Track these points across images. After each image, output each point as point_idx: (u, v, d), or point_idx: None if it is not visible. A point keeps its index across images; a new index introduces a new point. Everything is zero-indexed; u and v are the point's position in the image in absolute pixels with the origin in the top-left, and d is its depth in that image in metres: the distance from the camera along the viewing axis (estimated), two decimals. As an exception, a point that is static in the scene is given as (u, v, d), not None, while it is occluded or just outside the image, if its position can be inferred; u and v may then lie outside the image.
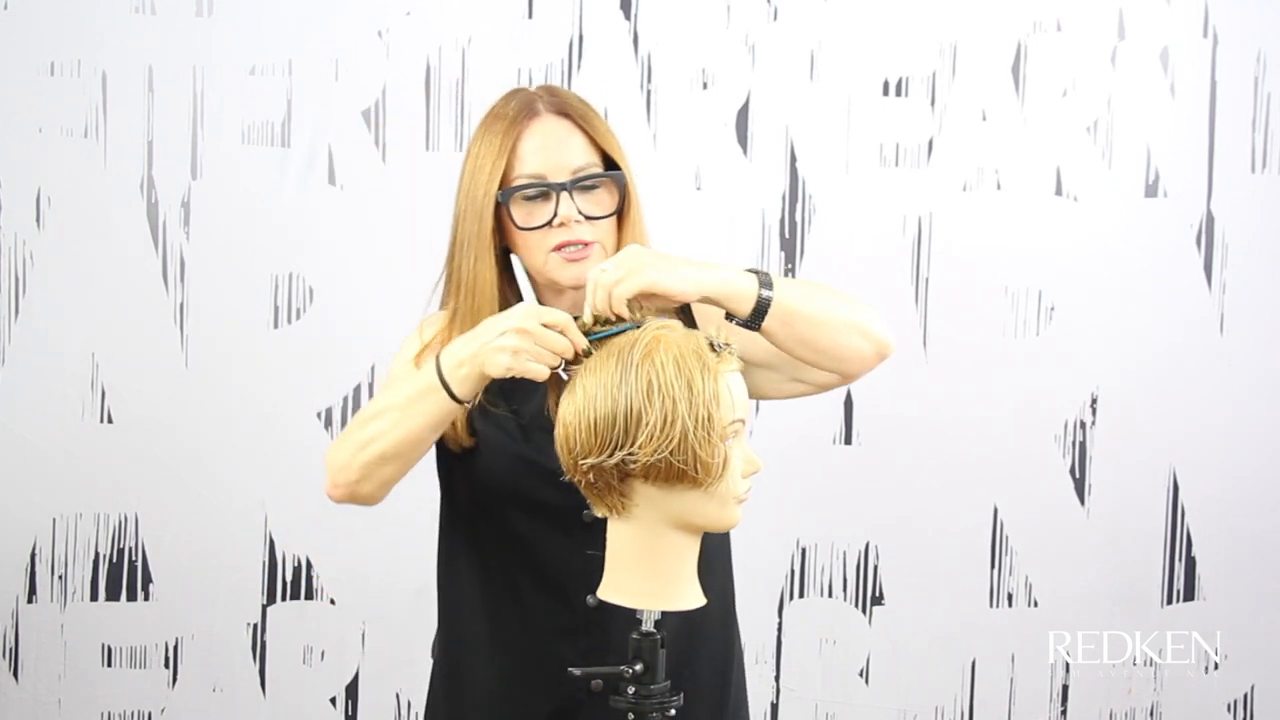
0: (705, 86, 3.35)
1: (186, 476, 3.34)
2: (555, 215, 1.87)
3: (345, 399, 3.36)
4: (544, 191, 1.87)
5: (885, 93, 3.37)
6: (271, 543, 3.37)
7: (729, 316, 1.77)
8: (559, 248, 1.88)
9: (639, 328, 1.64)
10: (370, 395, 3.34)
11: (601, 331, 1.68)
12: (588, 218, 1.87)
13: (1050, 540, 3.45)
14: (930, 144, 3.38)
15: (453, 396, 1.74)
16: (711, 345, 1.62)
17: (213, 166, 3.31)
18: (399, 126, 3.33)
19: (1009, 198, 3.40)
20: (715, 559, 1.99)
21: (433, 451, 1.93)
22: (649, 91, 3.34)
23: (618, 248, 1.87)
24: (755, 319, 1.77)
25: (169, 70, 3.29)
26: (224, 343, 3.33)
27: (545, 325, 1.67)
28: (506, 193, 1.86)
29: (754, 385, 1.89)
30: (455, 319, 1.91)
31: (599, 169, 1.90)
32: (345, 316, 3.32)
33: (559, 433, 1.62)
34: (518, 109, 1.92)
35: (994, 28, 3.39)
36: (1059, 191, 3.41)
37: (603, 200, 1.89)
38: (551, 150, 1.89)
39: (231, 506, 3.36)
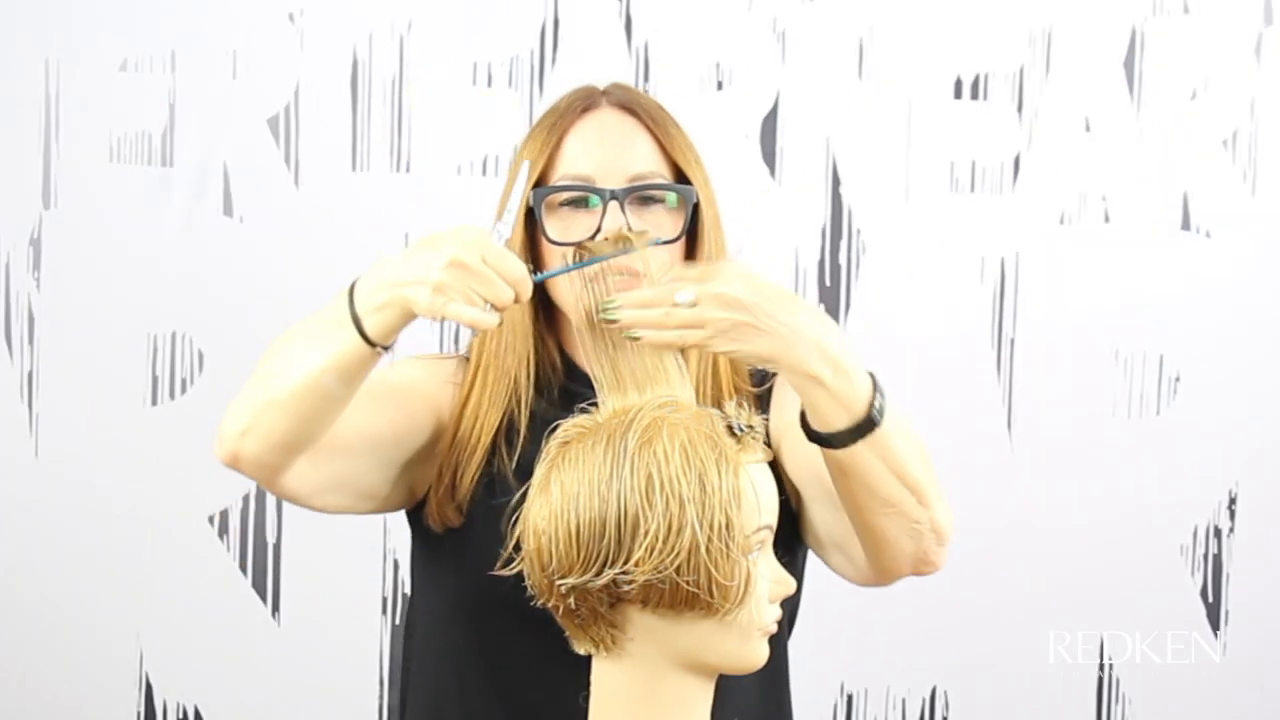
0: (720, 86, 3.21)
1: (36, 601, 3.16)
2: (599, 230, 1.74)
3: (246, 498, 3.15)
4: (586, 197, 1.77)
5: (958, 94, 3.21)
6: (149, 688, 3.21)
7: (806, 425, 1.63)
8: None
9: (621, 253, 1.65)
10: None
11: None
12: None
13: (1175, 685, 3.22)
14: (1017, 162, 3.21)
15: (364, 336, 1.61)
16: (730, 428, 1.50)
17: (71, 192, 3.16)
18: (317, 139, 3.18)
19: (1121, 233, 3.22)
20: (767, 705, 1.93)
21: (407, 545, 1.92)
22: (645, 92, 3.15)
23: None
24: (845, 436, 1.60)
25: (13, 66, 3.16)
26: (87, 424, 3.16)
27: (490, 265, 1.58)
28: (540, 193, 1.75)
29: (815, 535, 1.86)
30: (477, 370, 1.84)
31: (665, 181, 1.83)
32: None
33: (529, 545, 1.52)
34: (572, 100, 1.87)
35: (1101, 8, 3.21)
36: (1186, 225, 3.23)
37: (664, 222, 1.78)
38: (607, 147, 1.81)
39: (96, 639, 3.18)
